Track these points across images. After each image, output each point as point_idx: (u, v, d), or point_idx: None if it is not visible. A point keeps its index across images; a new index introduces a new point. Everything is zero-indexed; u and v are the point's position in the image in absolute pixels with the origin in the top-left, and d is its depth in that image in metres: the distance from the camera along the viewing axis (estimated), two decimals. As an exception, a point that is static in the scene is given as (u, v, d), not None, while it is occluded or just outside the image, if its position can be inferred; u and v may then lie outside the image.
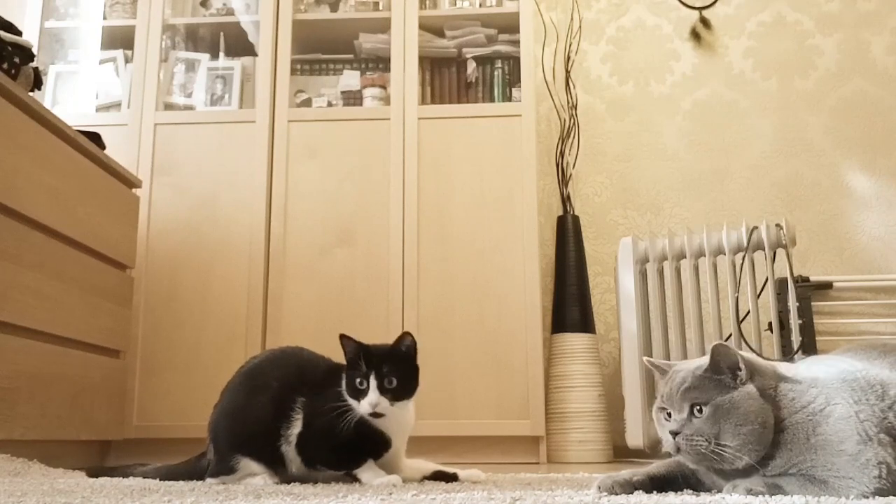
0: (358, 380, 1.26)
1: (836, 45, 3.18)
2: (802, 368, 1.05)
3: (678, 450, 1.01)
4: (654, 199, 3.12)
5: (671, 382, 1.04)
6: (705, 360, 1.03)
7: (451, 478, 1.35)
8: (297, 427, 1.29)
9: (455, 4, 2.95)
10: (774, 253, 2.40)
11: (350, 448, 1.28)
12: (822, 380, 1.00)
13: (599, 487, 1.05)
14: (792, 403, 0.98)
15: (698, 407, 1.00)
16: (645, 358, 1.12)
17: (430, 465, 1.37)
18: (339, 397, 1.29)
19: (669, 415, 1.03)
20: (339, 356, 1.42)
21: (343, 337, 1.31)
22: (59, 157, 1.99)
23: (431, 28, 2.92)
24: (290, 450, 1.30)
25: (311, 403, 1.30)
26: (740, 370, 1.01)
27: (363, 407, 1.25)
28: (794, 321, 2.37)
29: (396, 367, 1.28)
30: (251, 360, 1.40)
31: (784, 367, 1.05)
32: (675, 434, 1.01)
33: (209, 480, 1.34)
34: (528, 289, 2.59)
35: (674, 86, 3.21)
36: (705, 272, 2.48)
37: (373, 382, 1.26)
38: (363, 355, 1.28)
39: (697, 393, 1.00)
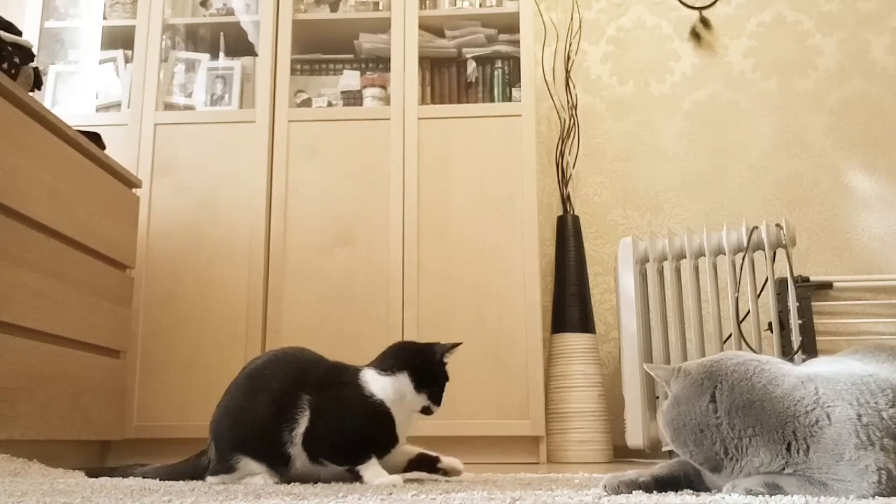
0: (444, 385, 1.37)
1: (836, 45, 3.18)
2: (799, 368, 1.04)
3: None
4: (654, 199, 3.12)
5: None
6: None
7: (433, 461, 1.39)
8: (303, 425, 1.29)
9: (455, 4, 2.95)
10: (774, 253, 2.40)
11: (359, 443, 1.29)
12: (821, 379, 0.99)
13: (605, 487, 1.06)
14: (771, 403, 0.99)
15: None
16: (645, 364, 1.15)
17: (413, 449, 1.41)
18: (358, 391, 1.32)
19: None
20: (339, 356, 1.42)
21: (441, 344, 1.39)
22: (59, 157, 1.99)
23: (431, 28, 2.93)
24: (295, 449, 1.30)
25: (319, 399, 1.31)
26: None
27: (438, 408, 1.37)
28: (794, 321, 2.37)
29: None
30: (254, 360, 1.40)
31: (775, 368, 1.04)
32: None
33: (209, 479, 1.34)
34: (528, 289, 2.59)
35: (674, 86, 3.21)
36: (705, 272, 2.48)
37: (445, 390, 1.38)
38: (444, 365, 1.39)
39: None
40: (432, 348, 1.38)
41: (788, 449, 0.95)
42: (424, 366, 1.36)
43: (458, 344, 1.39)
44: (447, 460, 1.39)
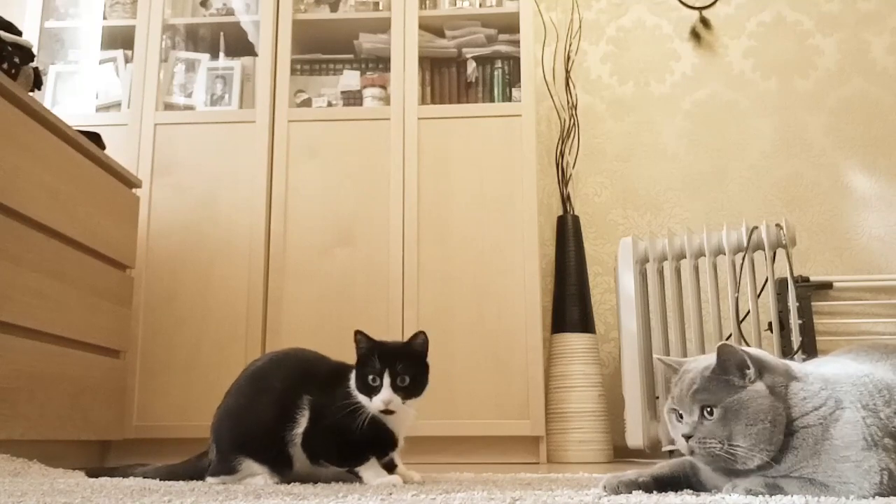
0: (371, 377, 1.26)
1: (836, 45, 3.18)
2: (811, 368, 1.04)
3: (692, 452, 1.00)
4: (654, 199, 3.12)
5: (681, 384, 1.03)
6: (713, 359, 1.02)
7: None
8: (302, 426, 1.29)
9: (455, 4, 2.95)
10: (774, 253, 2.40)
11: (356, 445, 1.29)
12: (833, 382, 0.99)
13: (605, 487, 1.05)
14: (804, 404, 0.97)
15: (708, 409, 0.99)
16: (656, 356, 1.12)
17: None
18: (348, 395, 1.29)
19: (681, 416, 1.02)
20: (339, 356, 1.42)
21: (358, 333, 1.31)
22: (59, 157, 1.98)
23: (431, 28, 2.92)
24: (296, 450, 1.30)
25: (319, 400, 1.30)
26: (748, 369, 1.00)
27: (375, 403, 1.26)
28: (794, 321, 2.37)
29: (409, 365, 1.28)
30: (255, 361, 1.40)
31: (796, 366, 1.04)
32: (687, 437, 1.00)
33: (210, 480, 1.34)
34: (528, 289, 2.59)
35: (674, 86, 3.21)
36: (705, 272, 2.48)
37: (386, 380, 1.26)
38: (377, 352, 1.28)
39: (706, 395, 0.99)
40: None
41: (806, 449, 0.95)
42: (363, 359, 1.29)
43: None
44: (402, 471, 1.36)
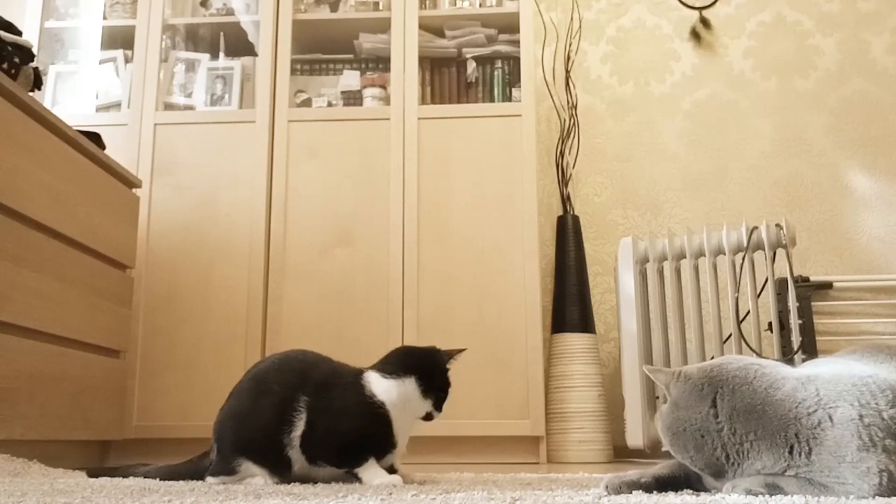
0: (443, 392, 1.36)
1: (836, 45, 3.18)
2: (810, 370, 1.04)
3: None
4: (654, 199, 3.12)
5: None
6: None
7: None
8: (300, 428, 1.29)
9: (455, 4, 2.95)
10: (774, 253, 2.40)
11: (355, 446, 1.29)
12: (831, 382, 0.99)
13: (607, 487, 1.05)
14: (794, 404, 0.97)
15: None
16: (644, 367, 1.14)
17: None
18: (355, 395, 1.30)
19: None
20: (339, 356, 1.42)
21: (441, 350, 1.39)
22: (59, 157, 1.98)
23: (431, 28, 2.93)
24: (294, 452, 1.30)
25: (316, 402, 1.30)
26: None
27: (436, 414, 1.36)
28: (794, 321, 2.37)
29: None
30: (258, 364, 1.40)
31: (778, 370, 1.04)
32: None
33: (209, 479, 1.34)
34: (528, 289, 2.59)
35: (674, 86, 3.21)
36: (705, 272, 2.48)
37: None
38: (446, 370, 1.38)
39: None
40: (440, 355, 1.37)
41: (791, 452, 0.95)
42: (432, 371, 1.35)
43: (462, 350, 1.39)
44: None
